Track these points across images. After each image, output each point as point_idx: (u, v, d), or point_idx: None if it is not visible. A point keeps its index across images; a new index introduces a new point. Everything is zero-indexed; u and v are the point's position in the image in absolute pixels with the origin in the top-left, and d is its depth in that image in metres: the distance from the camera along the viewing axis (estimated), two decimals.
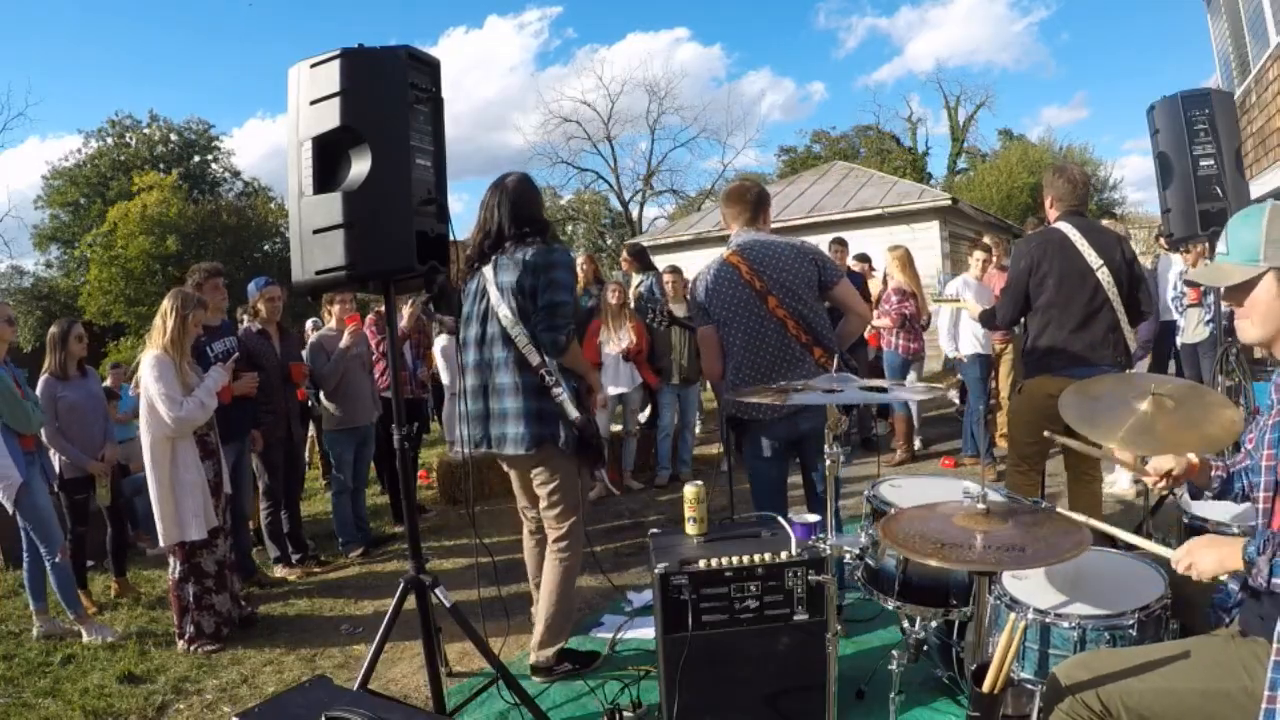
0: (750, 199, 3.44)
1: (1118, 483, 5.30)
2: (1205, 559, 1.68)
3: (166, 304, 3.90)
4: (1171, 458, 2.08)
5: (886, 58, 53.18)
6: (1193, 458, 2.07)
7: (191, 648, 3.84)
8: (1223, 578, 1.74)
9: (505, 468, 3.38)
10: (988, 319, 4.10)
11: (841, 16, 55.96)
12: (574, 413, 3.06)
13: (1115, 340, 3.53)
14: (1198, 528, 2.44)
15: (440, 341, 7.12)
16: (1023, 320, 3.83)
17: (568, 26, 54.51)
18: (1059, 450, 4.16)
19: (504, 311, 3.04)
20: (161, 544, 3.89)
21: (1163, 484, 2.09)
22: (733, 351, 3.28)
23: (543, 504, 3.26)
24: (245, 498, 4.79)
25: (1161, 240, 6.76)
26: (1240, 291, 1.69)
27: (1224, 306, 3.55)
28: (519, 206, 3.13)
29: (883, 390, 2.66)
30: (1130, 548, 2.14)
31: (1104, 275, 3.47)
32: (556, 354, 3.06)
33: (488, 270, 3.12)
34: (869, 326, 6.63)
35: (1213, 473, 2.06)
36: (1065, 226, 3.56)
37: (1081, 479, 3.72)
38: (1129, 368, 3.69)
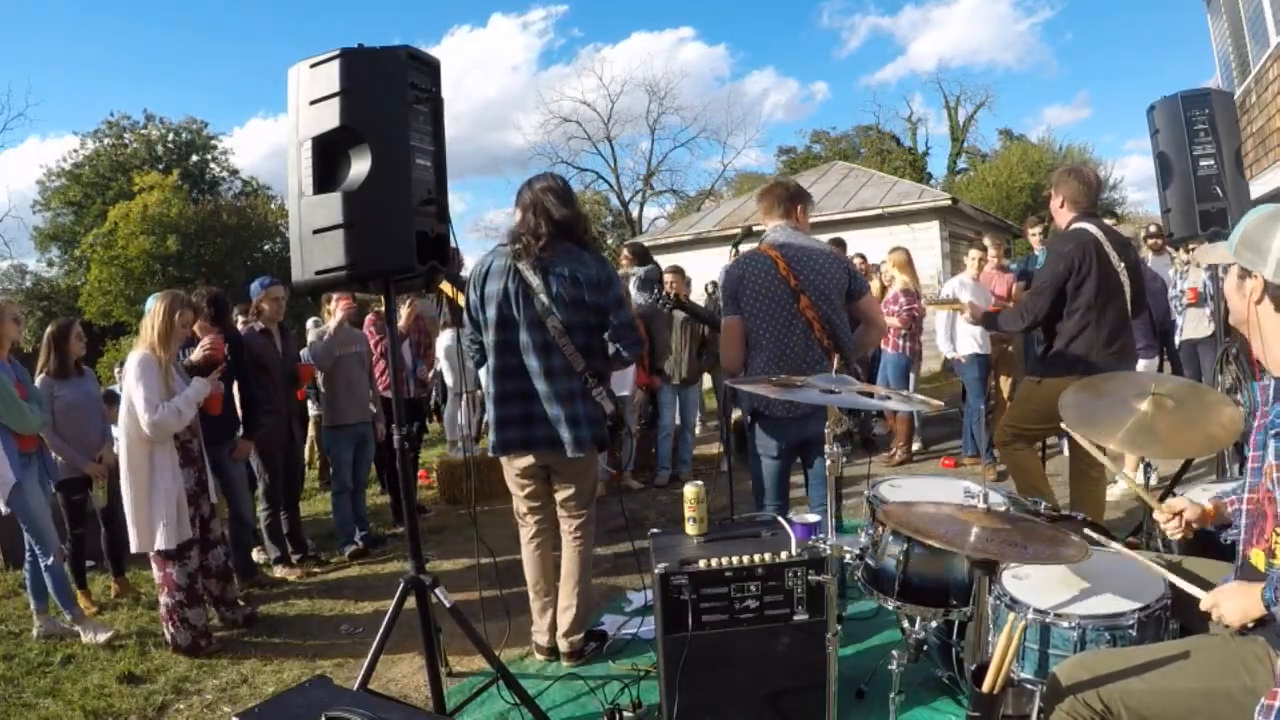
0: (783, 195, 3.44)
1: (1118, 484, 5.28)
2: (1231, 609, 1.70)
3: (156, 304, 3.82)
4: (1185, 500, 2.08)
5: (890, 57, 53.44)
6: (1206, 505, 2.07)
7: (177, 654, 3.81)
8: (1228, 578, 1.76)
9: (520, 474, 3.32)
10: (989, 321, 4.09)
11: (844, 16, 56.07)
12: (610, 407, 3.22)
13: (1128, 338, 3.63)
14: (1199, 530, 2.43)
15: (443, 340, 7.11)
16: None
17: (573, 26, 54.53)
18: (1055, 450, 4.16)
19: (553, 322, 3.07)
20: (134, 548, 3.81)
21: (1174, 524, 2.07)
22: (760, 345, 3.27)
23: (564, 495, 3.33)
24: (243, 501, 4.78)
25: (1150, 241, 6.77)
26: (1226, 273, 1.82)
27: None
28: (574, 217, 3.15)
29: (887, 398, 2.63)
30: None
31: (1124, 276, 3.52)
32: (633, 362, 3.44)
33: (531, 275, 3.07)
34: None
35: (1230, 509, 2.04)
36: (1092, 228, 3.56)
37: (1086, 477, 3.73)
38: (1135, 364, 3.74)
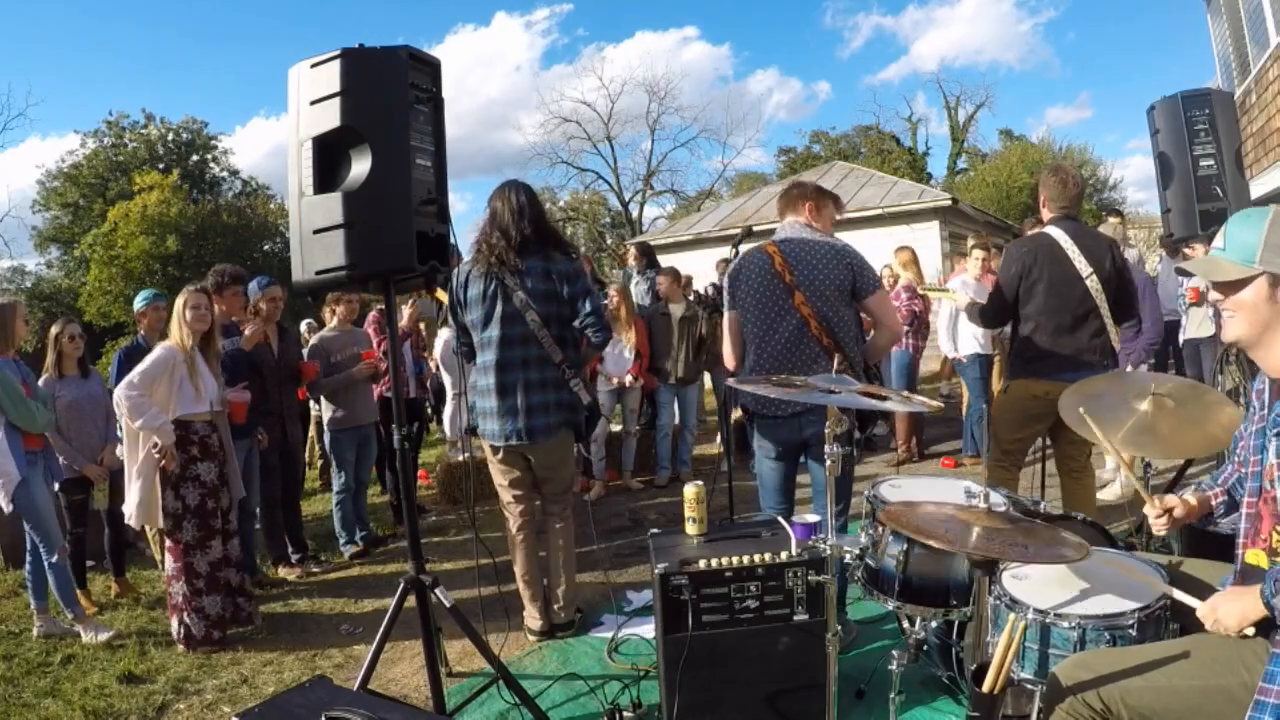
0: (797, 193, 3.43)
1: (1108, 486, 5.29)
2: (1229, 613, 1.69)
3: (178, 300, 4.06)
4: (1177, 498, 2.06)
5: (892, 57, 53.40)
6: (1191, 500, 2.06)
7: (186, 649, 3.83)
8: (1227, 579, 1.75)
9: (503, 462, 3.59)
10: (973, 313, 4.09)
11: (847, 15, 56.06)
12: (587, 398, 3.52)
13: (1101, 344, 3.57)
14: (1195, 529, 2.44)
15: (442, 337, 7.10)
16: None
17: (578, 25, 54.47)
18: (1039, 452, 4.12)
19: (532, 316, 3.34)
20: (130, 522, 3.90)
21: (1163, 521, 2.05)
22: (749, 340, 3.28)
23: (548, 484, 3.65)
24: (253, 496, 4.78)
25: (1166, 243, 6.77)
26: (1230, 288, 1.74)
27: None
28: (539, 218, 3.43)
29: (884, 398, 2.61)
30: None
31: (1092, 283, 3.49)
32: (603, 349, 3.87)
33: (508, 276, 3.36)
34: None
35: (1214, 500, 2.05)
36: (1056, 232, 3.58)
37: (1072, 475, 3.72)
38: (1113, 368, 3.68)
